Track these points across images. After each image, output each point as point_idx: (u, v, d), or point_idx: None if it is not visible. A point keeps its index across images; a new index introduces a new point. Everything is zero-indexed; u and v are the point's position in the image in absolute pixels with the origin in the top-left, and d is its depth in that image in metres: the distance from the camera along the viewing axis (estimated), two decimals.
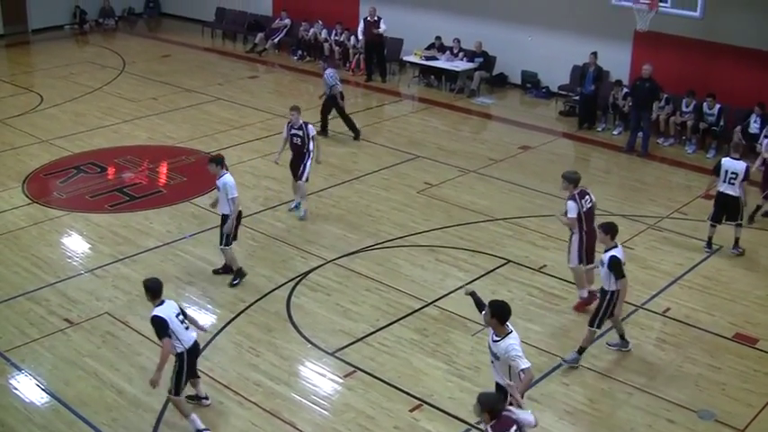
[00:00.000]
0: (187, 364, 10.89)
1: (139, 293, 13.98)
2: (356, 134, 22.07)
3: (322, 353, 12.94)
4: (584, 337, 12.57)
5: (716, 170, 16.01)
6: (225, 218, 14.51)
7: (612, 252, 12.24)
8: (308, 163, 17.10)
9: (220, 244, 14.71)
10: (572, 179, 13.69)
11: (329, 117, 21.96)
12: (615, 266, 12.13)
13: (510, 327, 9.83)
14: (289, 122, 17.22)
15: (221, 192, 14.33)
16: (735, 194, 15.79)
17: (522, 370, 9.57)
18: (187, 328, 10.91)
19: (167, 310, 10.74)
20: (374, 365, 12.61)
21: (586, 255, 13.83)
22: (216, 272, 15.14)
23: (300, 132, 17.01)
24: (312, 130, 17.15)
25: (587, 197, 13.74)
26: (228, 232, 14.53)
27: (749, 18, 21.63)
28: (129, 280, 14.87)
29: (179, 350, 10.76)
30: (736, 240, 16.13)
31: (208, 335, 13.17)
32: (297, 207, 17.50)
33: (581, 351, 12.60)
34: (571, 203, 13.55)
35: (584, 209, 13.62)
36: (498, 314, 9.79)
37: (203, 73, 28.29)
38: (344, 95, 21.96)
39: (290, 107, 17.38)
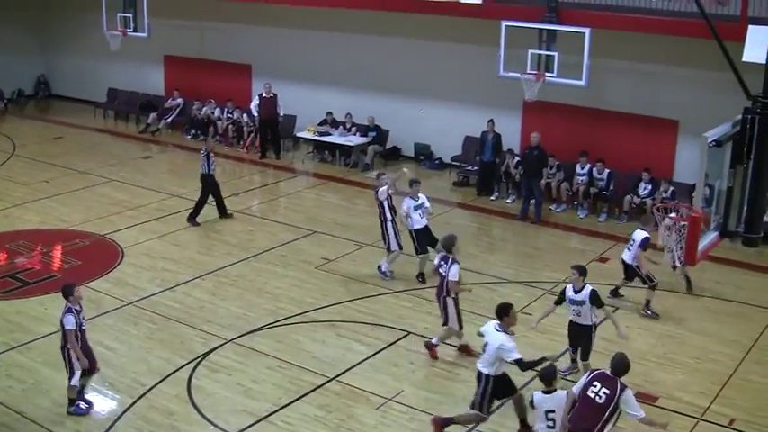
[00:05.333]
0: None
1: (35, 382, 13.73)
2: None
3: None
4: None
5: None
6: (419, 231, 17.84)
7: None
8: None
9: (417, 253, 17.91)
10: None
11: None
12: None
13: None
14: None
15: None
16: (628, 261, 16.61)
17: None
18: None
19: None
20: None
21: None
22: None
23: (427, 205, 18.18)
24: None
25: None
26: None
27: (631, 85, 22.48)
28: (24, 368, 14.48)
29: None
30: (647, 302, 16.70)
31: (107, 422, 12.92)
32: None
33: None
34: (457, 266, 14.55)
35: None
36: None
37: (96, 154, 27.89)
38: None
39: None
